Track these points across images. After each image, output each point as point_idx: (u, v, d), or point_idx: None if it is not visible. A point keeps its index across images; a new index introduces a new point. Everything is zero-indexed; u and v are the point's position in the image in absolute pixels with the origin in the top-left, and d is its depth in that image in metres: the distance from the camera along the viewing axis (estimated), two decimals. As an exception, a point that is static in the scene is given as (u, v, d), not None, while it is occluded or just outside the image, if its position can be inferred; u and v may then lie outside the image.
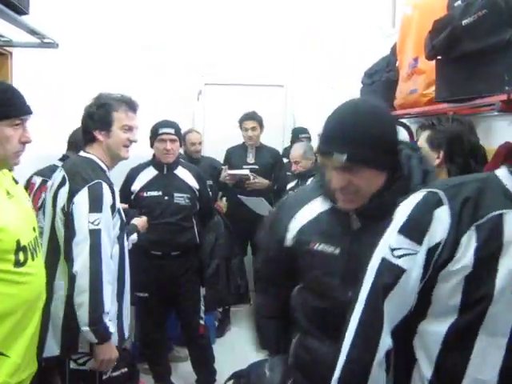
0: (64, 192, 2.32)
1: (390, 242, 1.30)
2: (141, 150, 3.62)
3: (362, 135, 1.53)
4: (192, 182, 3.65)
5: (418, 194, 1.29)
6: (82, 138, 2.53)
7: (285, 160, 5.21)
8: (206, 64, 5.40)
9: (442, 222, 1.22)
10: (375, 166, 1.57)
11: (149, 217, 3.38)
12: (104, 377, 2.47)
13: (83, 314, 2.25)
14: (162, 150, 3.52)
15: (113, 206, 2.36)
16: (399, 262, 1.27)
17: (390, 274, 1.28)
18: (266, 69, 5.48)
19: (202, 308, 3.73)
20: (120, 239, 2.48)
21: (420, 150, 1.76)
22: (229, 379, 3.63)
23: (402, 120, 3.85)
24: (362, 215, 1.65)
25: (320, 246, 1.72)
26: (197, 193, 3.65)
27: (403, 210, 1.30)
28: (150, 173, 3.61)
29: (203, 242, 3.79)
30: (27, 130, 1.95)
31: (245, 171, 4.71)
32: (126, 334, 2.62)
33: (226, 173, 4.72)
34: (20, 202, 1.99)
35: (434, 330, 1.26)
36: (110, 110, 2.46)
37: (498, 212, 1.19)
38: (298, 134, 5.22)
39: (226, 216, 4.77)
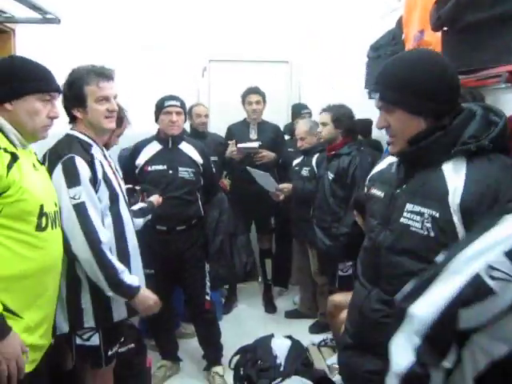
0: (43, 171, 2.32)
1: (491, 259, 1.21)
2: (147, 127, 3.63)
3: (396, 77, 1.63)
4: (196, 156, 3.64)
5: None
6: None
7: (286, 137, 5.19)
8: (211, 40, 5.36)
9: None
10: (406, 109, 1.63)
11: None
12: (109, 352, 2.48)
13: (102, 283, 2.28)
14: (168, 122, 3.51)
15: (94, 179, 2.33)
16: (492, 284, 1.19)
17: (478, 292, 1.21)
18: (271, 45, 5.44)
19: (208, 284, 3.73)
20: (113, 210, 2.45)
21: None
22: (235, 354, 3.68)
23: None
24: (402, 161, 1.76)
25: (373, 191, 1.89)
26: (201, 168, 3.64)
27: None
28: (155, 147, 3.60)
29: (207, 218, 3.78)
30: (56, 106, 2.03)
31: (254, 144, 4.67)
32: None
33: (234, 147, 4.67)
34: (44, 177, 2.09)
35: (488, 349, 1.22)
36: (81, 85, 2.39)
37: None
38: (300, 110, 5.19)
39: (230, 194, 4.78)
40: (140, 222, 2.87)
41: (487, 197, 1.49)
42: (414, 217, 1.63)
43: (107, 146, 3.18)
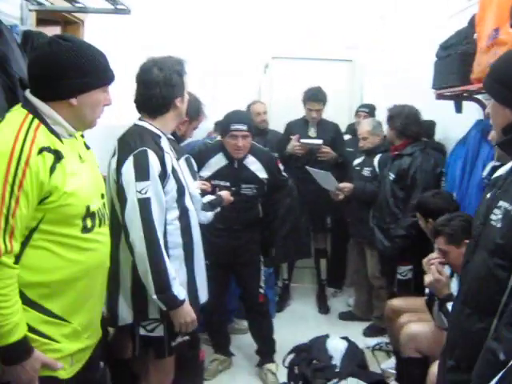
0: (113, 163, 2.32)
1: None
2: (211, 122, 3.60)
3: (493, 67, 1.70)
4: (261, 173, 3.55)
5: None
6: (150, 106, 2.41)
7: (347, 136, 5.12)
8: (274, 37, 5.34)
9: None
10: (497, 99, 1.65)
11: None
12: (173, 343, 2.48)
13: (148, 283, 2.26)
14: (233, 146, 3.42)
15: (163, 173, 2.31)
16: None
17: None
18: (335, 43, 5.40)
19: (262, 278, 3.72)
20: (180, 203, 2.44)
21: None
22: (289, 353, 3.66)
23: (478, 96, 3.71)
24: (500, 149, 1.78)
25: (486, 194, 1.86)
26: (265, 182, 3.57)
27: None
28: (220, 161, 3.52)
29: (278, 207, 3.75)
30: (109, 93, 1.95)
31: (318, 141, 4.61)
32: (203, 299, 2.63)
33: (297, 142, 4.61)
34: (91, 168, 1.98)
35: None
36: (182, 74, 2.43)
37: None
38: (358, 109, 5.13)
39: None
40: (209, 215, 2.85)
41: None
42: (497, 211, 1.62)
43: (183, 137, 3.21)
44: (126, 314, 2.37)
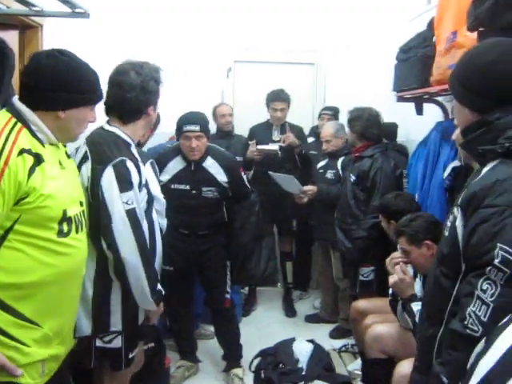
0: (86, 169, 2.22)
1: None
2: (172, 128, 3.57)
3: (457, 68, 1.67)
4: (221, 176, 3.50)
5: None
6: (123, 110, 2.35)
7: (311, 139, 5.14)
8: (236, 41, 5.33)
9: None
10: (457, 99, 1.66)
11: (177, 205, 3.31)
12: (130, 355, 2.43)
13: (144, 289, 2.24)
14: (188, 147, 3.38)
15: (139, 183, 2.28)
16: None
17: None
18: (297, 47, 5.41)
19: (228, 283, 3.69)
20: (148, 214, 2.41)
21: None
22: (256, 357, 3.65)
23: (438, 98, 3.77)
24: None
25: None
26: (226, 185, 3.52)
27: None
28: (179, 164, 3.49)
29: (236, 217, 3.71)
30: (94, 110, 2.01)
31: (274, 146, 4.62)
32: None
33: (255, 148, 4.63)
34: (71, 175, 2.01)
35: None
36: (158, 82, 2.41)
37: None
38: (321, 112, 5.14)
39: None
40: (165, 222, 2.80)
41: (476, 198, 1.46)
42: (451, 217, 1.61)
43: (143, 143, 3.17)
44: (84, 326, 2.29)
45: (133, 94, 2.31)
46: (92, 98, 1.95)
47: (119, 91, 2.32)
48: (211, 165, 3.49)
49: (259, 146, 4.62)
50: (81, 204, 1.99)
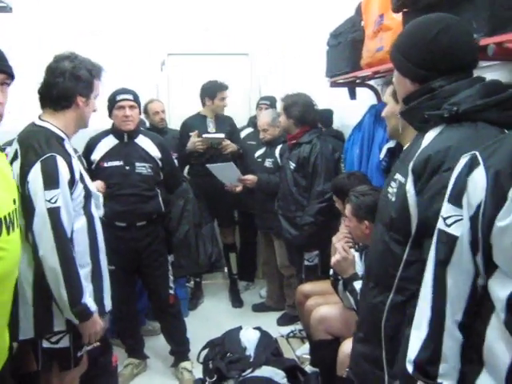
0: (16, 167, 2.17)
1: (442, 212, 1.32)
2: (101, 122, 3.52)
3: (399, 39, 1.72)
4: (154, 151, 3.52)
5: (463, 159, 1.29)
6: (51, 95, 2.31)
7: (249, 129, 5.14)
8: (169, 33, 5.27)
9: (477, 183, 1.21)
10: (398, 69, 1.72)
11: (111, 188, 3.33)
12: (79, 353, 2.39)
13: (62, 298, 2.16)
14: (122, 117, 3.38)
15: (72, 180, 2.23)
16: (451, 230, 1.29)
17: (446, 244, 1.30)
18: (230, 37, 5.39)
19: (171, 278, 3.67)
20: (87, 209, 2.36)
21: None
22: (203, 348, 3.64)
23: (370, 82, 3.83)
24: (402, 118, 1.79)
25: None
26: (159, 162, 3.53)
27: (452, 177, 1.32)
28: (110, 142, 3.47)
29: (172, 208, 3.71)
30: (5, 91, 1.86)
31: (220, 135, 4.60)
32: (108, 307, 2.54)
33: (198, 138, 4.57)
34: (2, 172, 1.86)
35: (497, 294, 1.19)
36: (93, 75, 2.37)
37: None
38: (259, 102, 5.16)
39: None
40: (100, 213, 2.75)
41: (431, 162, 1.48)
42: (393, 184, 1.65)
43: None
44: (27, 328, 2.23)
45: (61, 78, 2.29)
46: None
47: (50, 77, 2.31)
48: (144, 140, 3.52)
49: (205, 135, 4.57)
50: (14, 202, 1.87)
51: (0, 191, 1.78)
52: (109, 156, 3.44)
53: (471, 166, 1.24)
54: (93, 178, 3.14)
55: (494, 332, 1.20)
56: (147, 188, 3.50)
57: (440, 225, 1.32)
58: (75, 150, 2.68)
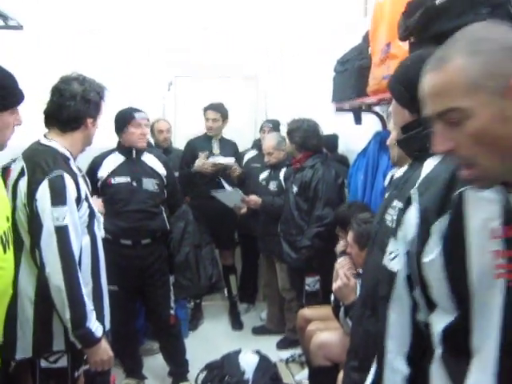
0: (23, 185, 2.17)
1: (387, 247, 1.36)
2: (107, 141, 3.56)
3: (399, 69, 1.75)
4: (159, 168, 3.58)
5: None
6: (61, 117, 2.32)
7: (254, 152, 5.16)
8: (177, 55, 5.31)
9: (410, 219, 1.25)
10: (397, 100, 1.72)
11: (118, 204, 3.36)
12: (76, 373, 2.36)
13: (66, 318, 2.14)
14: (139, 135, 3.43)
15: (78, 198, 2.23)
16: (391, 265, 1.31)
17: (386, 280, 1.32)
18: (238, 61, 5.43)
19: (172, 298, 3.66)
20: (90, 229, 2.36)
21: None
22: (202, 370, 3.62)
23: (376, 108, 3.85)
24: (399, 147, 1.81)
25: None
26: (164, 180, 3.58)
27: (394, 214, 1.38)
28: (117, 159, 3.50)
29: (172, 229, 3.72)
30: (19, 113, 1.94)
31: (231, 159, 4.63)
32: (107, 326, 2.50)
33: (208, 161, 4.60)
34: None
35: (435, 328, 1.21)
36: (101, 97, 2.40)
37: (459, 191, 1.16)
38: (262, 124, 5.18)
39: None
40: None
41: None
42: (391, 211, 1.65)
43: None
44: (25, 347, 2.21)
45: (72, 101, 2.30)
46: (9, 101, 1.88)
47: (59, 99, 2.31)
48: (149, 158, 3.58)
49: (217, 159, 4.60)
50: (7, 219, 1.86)
51: None
52: (116, 173, 3.46)
53: (408, 202, 1.28)
54: (98, 196, 3.18)
55: (436, 368, 1.21)
56: (153, 205, 3.52)
57: (384, 260, 1.35)
58: (79, 170, 2.70)
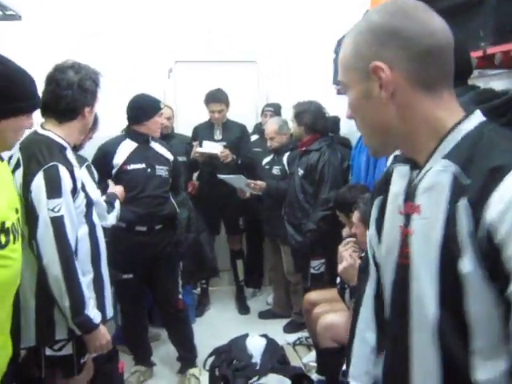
0: (19, 176, 2.17)
1: None
2: (115, 127, 3.57)
3: None
4: (167, 154, 3.63)
5: None
6: (58, 108, 2.30)
7: (255, 136, 5.15)
8: (177, 41, 5.29)
9: None
10: None
11: (134, 191, 3.39)
12: (81, 360, 2.38)
13: (65, 307, 2.16)
14: (160, 125, 3.63)
15: (74, 189, 2.23)
16: None
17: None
18: (238, 45, 5.40)
19: (180, 282, 3.69)
20: (88, 218, 2.37)
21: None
22: (210, 355, 3.64)
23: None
24: None
25: None
26: (171, 165, 3.63)
27: None
28: (129, 145, 3.50)
29: (178, 216, 3.75)
30: (31, 116, 1.95)
31: (214, 150, 4.63)
32: (109, 314, 2.53)
33: (197, 150, 4.63)
34: (4, 182, 1.87)
35: None
36: (96, 84, 2.38)
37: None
38: (263, 108, 5.18)
39: (197, 195, 4.79)
40: (111, 217, 2.75)
41: None
42: None
43: (79, 147, 3.13)
44: (29, 336, 2.23)
45: (69, 91, 2.28)
46: (30, 105, 1.89)
47: (56, 89, 2.29)
48: (156, 145, 3.62)
49: (199, 149, 4.62)
50: (16, 211, 1.86)
51: (5, 202, 1.78)
52: (131, 159, 3.48)
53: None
54: (115, 183, 3.22)
55: None
56: (165, 190, 3.59)
57: None
58: (85, 159, 2.70)
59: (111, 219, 2.73)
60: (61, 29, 4.71)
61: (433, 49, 1.05)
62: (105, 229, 2.59)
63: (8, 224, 1.74)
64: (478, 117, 1.09)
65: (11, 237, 1.75)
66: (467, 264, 0.97)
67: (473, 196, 0.97)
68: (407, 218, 1.10)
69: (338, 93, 4.03)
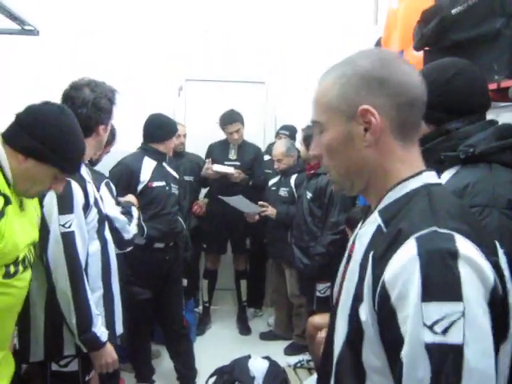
0: None
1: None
2: (128, 144, 3.61)
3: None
4: (174, 173, 3.78)
5: None
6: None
7: (267, 157, 5.18)
8: (187, 59, 5.34)
9: None
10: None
11: (157, 208, 3.51)
12: (87, 377, 2.35)
13: (72, 323, 2.16)
14: (177, 145, 3.89)
15: (86, 204, 2.24)
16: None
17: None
18: (247, 65, 5.45)
19: (183, 300, 3.77)
20: (100, 233, 2.37)
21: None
22: (212, 375, 3.62)
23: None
24: None
25: None
26: (179, 183, 3.77)
27: None
28: (150, 163, 3.58)
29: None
30: (62, 182, 1.95)
31: (230, 169, 4.64)
32: (119, 331, 2.52)
33: (210, 166, 4.63)
34: (29, 216, 1.89)
35: None
36: (112, 102, 2.39)
37: None
38: (278, 131, 5.20)
39: (206, 213, 4.81)
40: (131, 229, 2.74)
41: None
42: None
43: (96, 161, 3.15)
44: (37, 351, 2.23)
45: (84, 109, 2.28)
46: (68, 168, 1.87)
47: (71, 106, 2.27)
48: (165, 164, 3.72)
49: (216, 167, 4.63)
50: (33, 245, 1.89)
51: (26, 238, 1.80)
52: (155, 177, 3.56)
53: None
54: (140, 200, 3.25)
55: None
56: (178, 208, 3.72)
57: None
58: (104, 176, 2.71)
59: (133, 229, 2.74)
60: (77, 46, 4.76)
61: (415, 100, 1.11)
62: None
63: (21, 256, 1.76)
64: (426, 177, 1.12)
65: (21, 267, 1.77)
66: (363, 313, 1.00)
67: (378, 252, 1.00)
68: (349, 258, 1.18)
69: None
